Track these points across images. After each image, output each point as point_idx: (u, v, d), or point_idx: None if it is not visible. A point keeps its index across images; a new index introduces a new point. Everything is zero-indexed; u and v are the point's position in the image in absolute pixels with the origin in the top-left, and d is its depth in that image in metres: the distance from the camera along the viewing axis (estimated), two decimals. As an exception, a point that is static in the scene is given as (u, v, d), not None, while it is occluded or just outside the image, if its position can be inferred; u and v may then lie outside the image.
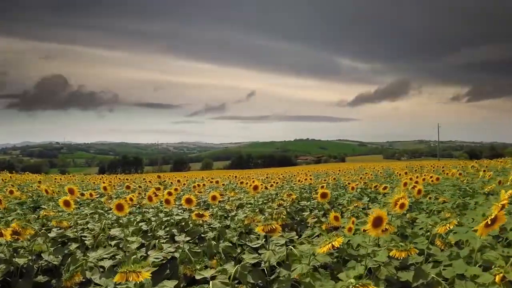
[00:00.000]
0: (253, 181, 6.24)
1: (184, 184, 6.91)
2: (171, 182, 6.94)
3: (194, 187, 5.13)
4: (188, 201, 2.91)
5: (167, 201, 3.00)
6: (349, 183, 7.30)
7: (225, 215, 4.17)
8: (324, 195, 3.47)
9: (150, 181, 7.22)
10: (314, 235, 3.05)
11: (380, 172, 10.72)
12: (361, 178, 7.80)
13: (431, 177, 6.10)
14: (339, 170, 12.85)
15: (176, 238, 2.45)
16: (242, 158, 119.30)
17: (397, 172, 10.75)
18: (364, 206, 4.36)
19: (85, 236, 3.19)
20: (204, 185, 6.33)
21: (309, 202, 4.73)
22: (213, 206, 4.67)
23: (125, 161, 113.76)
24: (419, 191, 4.05)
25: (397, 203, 2.68)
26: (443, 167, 12.18)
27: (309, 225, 3.87)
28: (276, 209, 3.97)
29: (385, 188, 4.33)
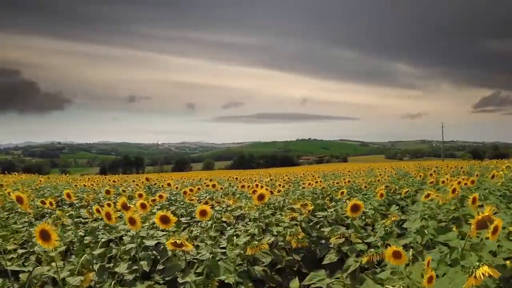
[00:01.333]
0: (257, 185, 5.30)
1: (177, 187, 5.99)
2: (162, 185, 6.03)
3: (185, 193, 4.20)
4: (164, 220, 1.98)
5: (132, 221, 2.06)
6: (365, 186, 6.37)
7: (222, 230, 3.24)
8: (355, 208, 2.54)
9: (138, 184, 6.33)
10: (348, 269, 2.12)
11: (395, 173, 9.76)
12: (378, 180, 6.86)
13: (463, 178, 5.22)
14: (349, 171, 11.90)
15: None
16: (244, 158, 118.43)
17: (414, 173, 9.80)
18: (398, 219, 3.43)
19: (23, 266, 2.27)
20: (199, 189, 5.41)
21: (326, 213, 3.79)
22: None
23: (127, 161, 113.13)
24: (474, 200, 3.13)
25: (484, 225, 1.75)
26: (461, 168, 11.22)
27: (331, 245, 2.95)
28: (287, 224, 3.04)
29: (427, 196, 3.38)
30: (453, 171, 9.92)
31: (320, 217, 3.55)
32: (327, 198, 5.18)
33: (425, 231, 2.91)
